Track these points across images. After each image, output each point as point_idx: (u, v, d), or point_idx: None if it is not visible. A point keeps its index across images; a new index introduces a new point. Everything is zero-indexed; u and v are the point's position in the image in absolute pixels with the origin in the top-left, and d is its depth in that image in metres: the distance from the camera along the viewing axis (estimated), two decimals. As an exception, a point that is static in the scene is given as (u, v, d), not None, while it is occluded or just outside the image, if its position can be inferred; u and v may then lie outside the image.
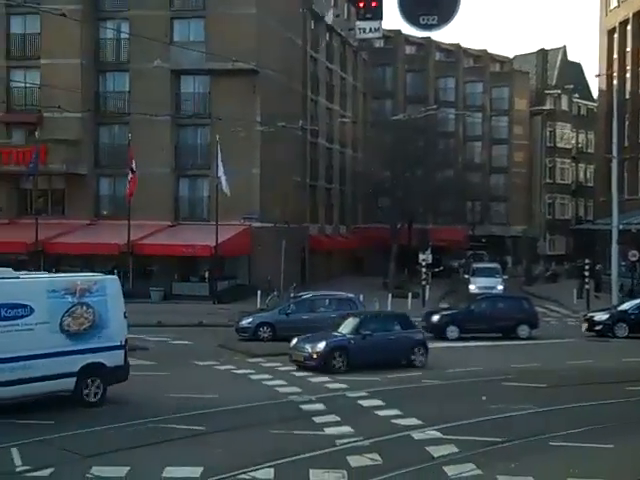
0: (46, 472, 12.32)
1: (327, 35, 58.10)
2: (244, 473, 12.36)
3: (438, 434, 14.77)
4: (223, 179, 39.40)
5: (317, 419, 16.07)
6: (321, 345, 22.32)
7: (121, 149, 42.99)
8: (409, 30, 70.89)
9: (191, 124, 45.16)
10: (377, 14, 12.87)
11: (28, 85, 43.57)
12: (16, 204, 45.08)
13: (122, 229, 39.58)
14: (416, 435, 14.76)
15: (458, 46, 75.07)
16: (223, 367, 22.86)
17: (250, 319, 29.55)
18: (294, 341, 23.26)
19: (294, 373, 21.87)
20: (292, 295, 33.47)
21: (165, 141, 44.01)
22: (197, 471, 12.41)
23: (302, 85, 52.26)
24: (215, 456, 13.36)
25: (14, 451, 13.33)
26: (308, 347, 22.49)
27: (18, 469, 12.57)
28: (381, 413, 16.71)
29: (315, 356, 22.12)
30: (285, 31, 48.46)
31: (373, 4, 12.64)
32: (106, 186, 45.83)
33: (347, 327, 23.52)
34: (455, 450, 13.71)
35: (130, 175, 39.53)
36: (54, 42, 42.80)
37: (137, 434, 14.74)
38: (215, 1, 43.50)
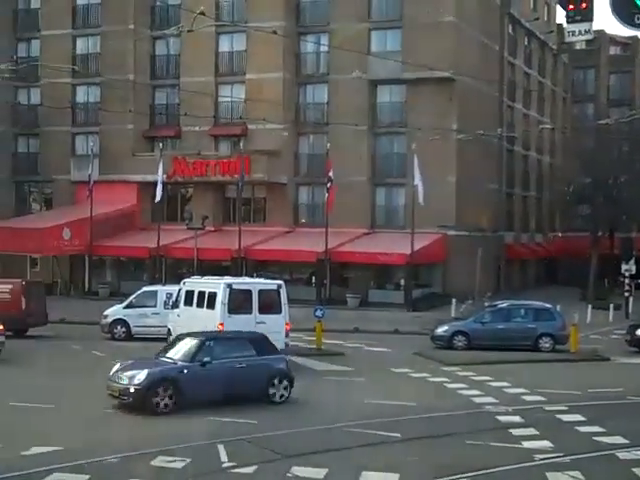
0: (250, 469, 12.86)
1: (525, 39, 56.81)
2: (440, 483, 12.40)
3: (645, 455, 14.09)
4: (420, 187, 39.43)
5: (514, 431, 15.75)
6: (141, 376, 16.97)
7: (319, 159, 44.21)
8: (614, 29, 67.69)
9: (387, 133, 45.70)
10: (587, 16, 12.45)
11: (234, 99, 45.92)
12: (221, 212, 47.49)
13: (319, 237, 40.55)
14: (621, 455, 14.15)
15: (669, 43, 70.94)
16: (417, 375, 22.90)
17: (445, 328, 29.51)
18: (115, 368, 17.98)
19: (490, 383, 21.48)
20: (487, 304, 33.03)
21: (362, 150, 44.79)
22: (393, 478, 12.55)
23: (499, 91, 51.40)
24: (410, 464, 13.42)
25: (220, 448, 14.03)
26: (126, 378, 17.12)
27: (224, 465, 13.19)
28: (582, 429, 16.13)
29: (132, 390, 16.81)
30: (482, 37, 47.92)
31: (583, 5, 12.23)
32: (304, 195, 47.29)
33: (180, 351, 18.08)
34: (665, 473, 13.03)
35: (329, 185, 40.24)
36: (259, 58, 44.94)
37: (335, 437, 15.11)
38: (412, 11, 43.68)
